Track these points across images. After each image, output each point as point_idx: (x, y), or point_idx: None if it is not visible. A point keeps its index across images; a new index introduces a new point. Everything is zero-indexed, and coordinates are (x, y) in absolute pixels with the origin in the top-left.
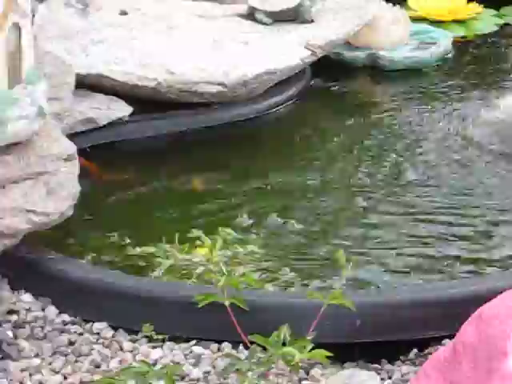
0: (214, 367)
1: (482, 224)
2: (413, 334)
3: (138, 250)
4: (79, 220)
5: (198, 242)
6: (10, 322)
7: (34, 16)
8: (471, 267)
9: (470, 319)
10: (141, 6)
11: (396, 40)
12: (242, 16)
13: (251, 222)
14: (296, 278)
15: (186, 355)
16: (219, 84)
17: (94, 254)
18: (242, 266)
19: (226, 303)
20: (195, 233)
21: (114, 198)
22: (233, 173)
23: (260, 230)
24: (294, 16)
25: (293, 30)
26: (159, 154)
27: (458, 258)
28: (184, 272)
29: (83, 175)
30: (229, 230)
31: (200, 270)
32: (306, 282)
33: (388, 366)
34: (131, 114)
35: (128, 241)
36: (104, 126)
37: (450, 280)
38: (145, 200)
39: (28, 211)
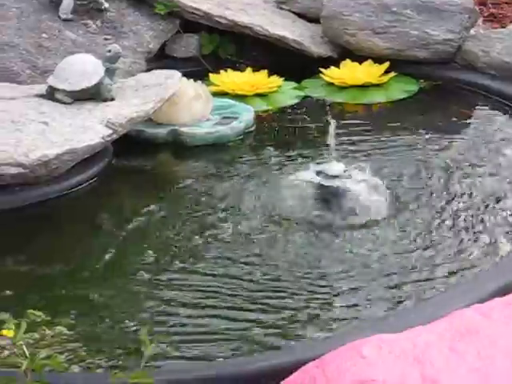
0: None
1: None
2: None
3: None
4: None
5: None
6: None
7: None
8: None
9: None
10: None
11: (198, 116)
12: (41, 96)
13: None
14: (103, 358)
15: None
16: (19, 165)
17: None
18: (49, 348)
19: None
20: (1, 316)
21: None
22: (33, 256)
23: (70, 311)
24: (94, 94)
25: (93, 109)
26: None
27: None
28: None
29: None
30: (38, 312)
31: (5, 353)
32: (111, 363)
33: None
34: None
35: None
36: None
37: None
38: None
39: None
